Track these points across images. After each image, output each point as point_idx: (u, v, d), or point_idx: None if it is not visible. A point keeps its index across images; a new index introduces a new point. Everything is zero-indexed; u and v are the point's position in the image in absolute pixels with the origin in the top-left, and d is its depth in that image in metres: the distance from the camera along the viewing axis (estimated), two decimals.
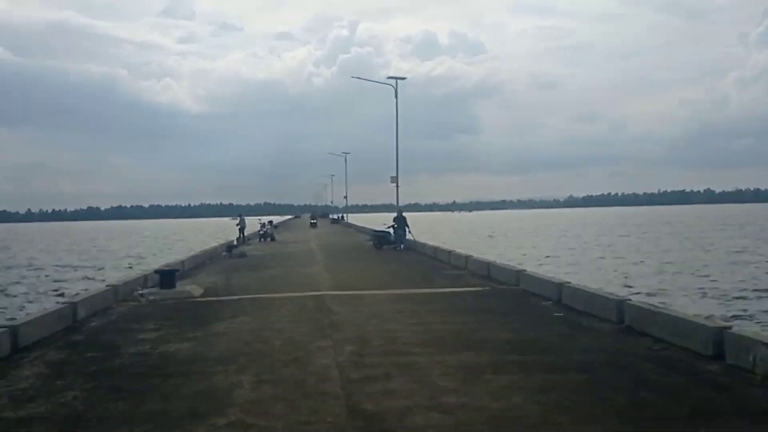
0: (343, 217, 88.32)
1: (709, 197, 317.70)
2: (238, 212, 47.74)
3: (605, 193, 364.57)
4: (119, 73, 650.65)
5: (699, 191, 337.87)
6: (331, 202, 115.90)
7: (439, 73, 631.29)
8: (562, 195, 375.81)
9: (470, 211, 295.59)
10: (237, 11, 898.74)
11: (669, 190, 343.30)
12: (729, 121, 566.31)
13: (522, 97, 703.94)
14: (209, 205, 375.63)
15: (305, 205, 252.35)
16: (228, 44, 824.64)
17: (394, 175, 34.06)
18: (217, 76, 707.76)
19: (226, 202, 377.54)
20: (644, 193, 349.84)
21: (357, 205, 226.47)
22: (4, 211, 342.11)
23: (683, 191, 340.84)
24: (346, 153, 71.60)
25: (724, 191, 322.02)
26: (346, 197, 77.17)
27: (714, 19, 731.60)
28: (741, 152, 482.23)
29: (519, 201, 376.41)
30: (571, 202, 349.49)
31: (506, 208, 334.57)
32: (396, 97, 33.88)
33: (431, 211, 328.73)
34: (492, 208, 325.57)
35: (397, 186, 33.82)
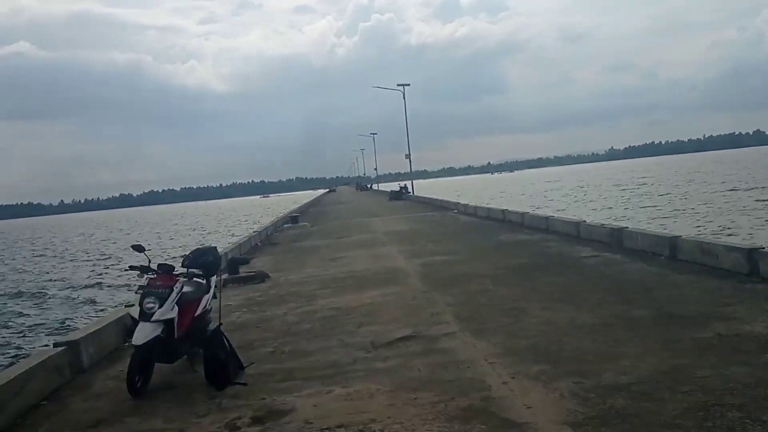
0: (370, 186, 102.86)
1: (761, 139, 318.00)
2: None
3: (648, 143, 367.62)
4: (144, 59, 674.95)
5: (748, 133, 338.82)
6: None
7: (461, 34, 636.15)
8: (601, 148, 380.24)
9: (511, 171, 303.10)
10: None
11: (715, 135, 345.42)
12: (765, 60, 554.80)
13: (549, 52, 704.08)
14: (240, 184, 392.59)
15: (338, 177, 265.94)
16: (248, 22, 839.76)
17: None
18: (240, 54, 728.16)
19: (257, 179, 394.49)
20: (689, 140, 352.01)
21: (390, 173, 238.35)
22: (39, 204, 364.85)
23: (733, 134, 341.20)
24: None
25: None
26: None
27: None
28: None
29: (556, 158, 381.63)
30: (613, 155, 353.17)
31: (543, 166, 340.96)
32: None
33: (467, 174, 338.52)
34: (529, 167, 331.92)
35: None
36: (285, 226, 26.07)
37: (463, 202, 32.80)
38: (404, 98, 46.17)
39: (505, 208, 21.60)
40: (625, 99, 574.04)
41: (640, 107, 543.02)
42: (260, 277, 11.61)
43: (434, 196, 40.04)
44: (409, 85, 47.25)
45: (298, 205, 50.87)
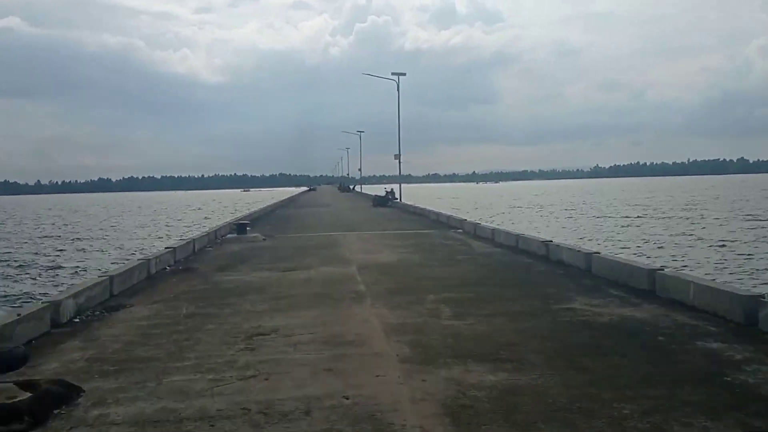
0: (354, 187, 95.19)
1: (744, 167, 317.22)
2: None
3: (633, 163, 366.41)
4: (136, 44, 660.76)
5: (732, 160, 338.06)
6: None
7: (456, 42, 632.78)
8: (585, 165, 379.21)
9: (496, 182, 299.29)
10: None
11: (699, 159, 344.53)
12: (752, 89, 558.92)
13: (541, 66, 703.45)
14: (222, 176, 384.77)
15: (321, 176, 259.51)
16: (244, 14, 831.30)
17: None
18: (233, 46, 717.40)
19: (240, 173, 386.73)
20: (674, 163, 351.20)
21: (374, 176, 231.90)
22: (15, 182, 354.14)
23: (717, 161, 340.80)
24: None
25: (759, 160, 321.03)
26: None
27: None
28: (766, 120, 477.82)
29: (541, 171, 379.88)
30: (598, 173, 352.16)
31: (528, 179, 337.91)
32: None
33: (451, 182, 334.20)
34: (513, 179, 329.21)
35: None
36: (229, 236, 18.87)
37: (462, 215, 25.88)
38: (398, 89, 39.19)
39: (548, 239, 14.50)
40: (612, 117, 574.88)
41: (626, 126, 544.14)
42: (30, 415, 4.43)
43: (427, 206, 33.00)
44: (404, 74, 40.22)
45: (264, 205, 43.37)
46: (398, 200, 38.93)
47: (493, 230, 17.05)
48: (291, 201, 55.49)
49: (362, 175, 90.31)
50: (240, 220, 22.75)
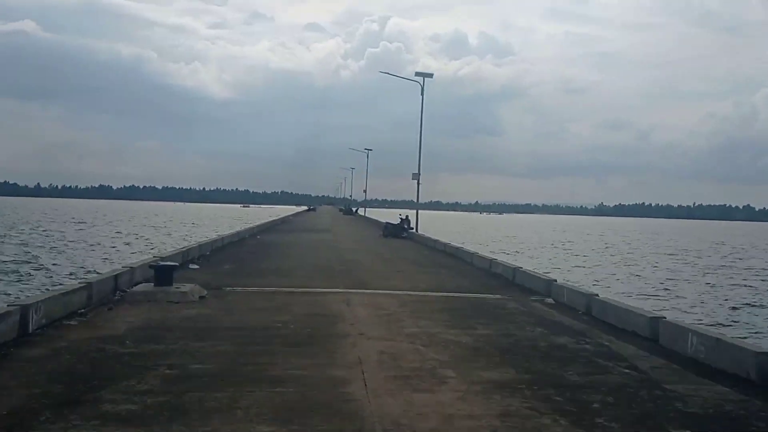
0: (356, 210, 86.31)
1: (750, 214, 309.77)
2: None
3: (638, 203, 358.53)
4: (149, 55, 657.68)
5: (738, 207, 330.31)
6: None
7: (465, 72, 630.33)
8: (588, 202, 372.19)
9: (500, 213, 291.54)
10: (268, 1, 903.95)
11: (705, 204, 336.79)
12: (757, 138, 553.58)
13: (547, 101, 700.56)
14: (224, 190, 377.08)
15: (323, 196, 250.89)
16: (258, 32, 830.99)
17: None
18: (245, 63, 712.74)
19: (242, 188, 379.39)
20: (678, 206, 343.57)
21: (376, 199, 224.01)
22: (15, 184, 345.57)
23: (724, 206, 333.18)
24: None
25: (765, 208, 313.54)
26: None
27: (748, 34, 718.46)
28: None
29: (544, 206, 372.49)
30: (602, 210, 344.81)
31: (531, 212, 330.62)
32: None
33: (454, 210, 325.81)
34: (516, 212, 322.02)
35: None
36: (138, 289, 10.29)
37: (514, 258, 17.69)
38: (422, 93, 30.96)
39: None
40: (616, 157, 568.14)
41: (629, 167, 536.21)
42: None
43: (455, 242, 24.55)
44: (431, 75, 31.91)
45: (247, 226, 34.75)
46: (414, 230, 30.36)
47: (613, 306, 8.55)
48: (283, 222, 46.18)
49: (366, 197, 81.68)
50: (171, 255, 14.18)
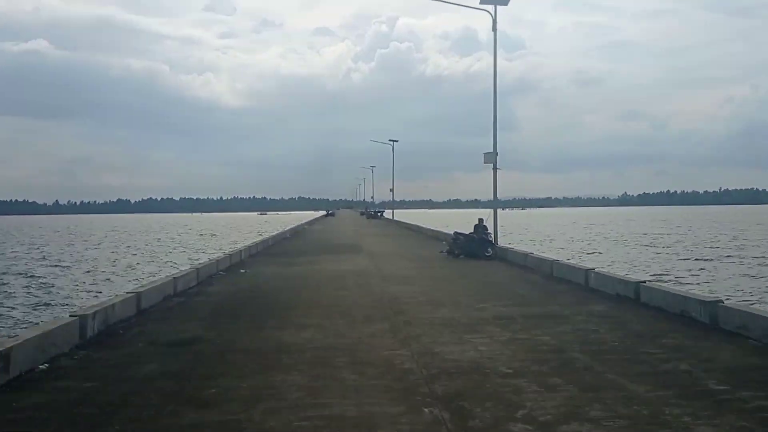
0: (382, 213, 75.83)
1: None
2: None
3: (663, 191, 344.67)
4: (161, 68, 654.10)
5: (765, 190, 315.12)
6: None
7: (477, 69, 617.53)
8: (608, 193, 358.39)
9: (522, 208, 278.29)
10: (277, 7, 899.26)
11: (731, 189, 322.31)
12: None
13: (561, 94, 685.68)
14: (242, 199, 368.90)
15: (341, 200, 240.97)
16: (268, 40, 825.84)
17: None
18: (256, 71, 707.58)
19: (260, 196, 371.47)
20: (705, 192, 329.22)
21: (394, 200, 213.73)
22: (34, 202, 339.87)
23: (753, 190, 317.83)
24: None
25: None
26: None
27: (762, 15, 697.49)
28: None
29: (565, 198, 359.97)
30: (626, 201, 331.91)
31: (552, 206, 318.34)
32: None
33: (474, 207, 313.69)
34: (538, 206, 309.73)
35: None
36: None
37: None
38: (494, 28, 20.46)
39: None
40: (634, 147, 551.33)
41: (648, 156, 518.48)
42: None
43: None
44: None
45: (234, 248, 23.81)
46: (491, 236, 19.55)
47: None
48: (295, 235, 34.44)
49: (388, 198, 69.93)
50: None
